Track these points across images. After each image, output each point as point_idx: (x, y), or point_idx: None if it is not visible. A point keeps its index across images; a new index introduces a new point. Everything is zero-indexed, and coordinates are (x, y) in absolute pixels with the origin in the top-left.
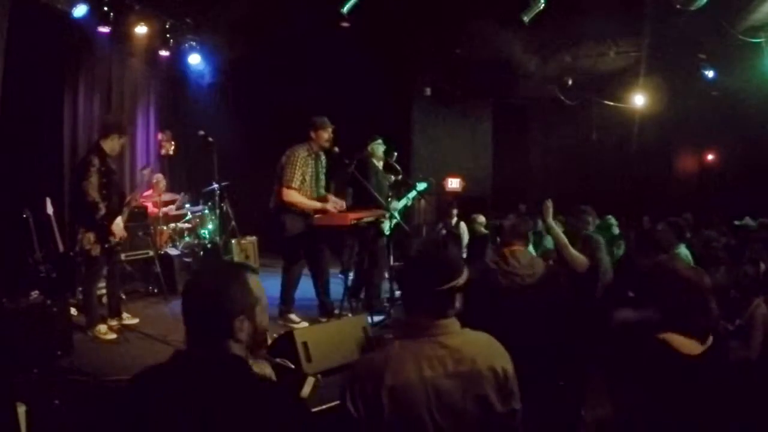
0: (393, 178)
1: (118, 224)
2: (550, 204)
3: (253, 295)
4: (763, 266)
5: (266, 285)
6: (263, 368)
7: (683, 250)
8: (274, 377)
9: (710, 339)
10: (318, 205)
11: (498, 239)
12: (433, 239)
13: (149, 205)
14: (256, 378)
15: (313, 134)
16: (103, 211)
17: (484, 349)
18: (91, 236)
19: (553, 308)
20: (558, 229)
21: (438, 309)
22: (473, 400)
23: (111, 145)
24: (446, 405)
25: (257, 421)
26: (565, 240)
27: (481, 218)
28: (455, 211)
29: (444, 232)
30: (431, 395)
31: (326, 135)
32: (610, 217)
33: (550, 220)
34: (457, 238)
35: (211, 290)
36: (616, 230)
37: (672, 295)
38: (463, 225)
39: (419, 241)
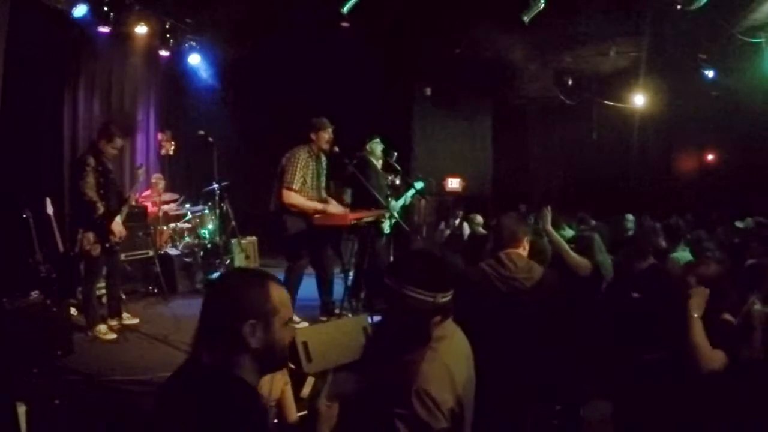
0: (391, 178)
1: (118, 223)
2: (548, 211)
3: (271, 303)
4: (747, 263)
5: None
6: (279, 381)
7: (683, 253)
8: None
9: None
10: (318, 206)
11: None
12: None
13: (149, 205)
14: (230, 405)
15: (313, 136)
16: (101, 211)
17: (465, 338)
18: (90, 236)
19: (554, 312)
20: (557, 235)
21: (450, 311)
22: (473, 382)
23: (108, 147)
24: (472, 388)
25: None
26: (566, 245)
27: (479, 218)
28: (460, 212)
29: (447, 232)
30: (470, 383)
31: (326, 136)
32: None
33: (549, 227)
34: (460, 237)
35: (226, 288)
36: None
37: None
38: (465, 225)
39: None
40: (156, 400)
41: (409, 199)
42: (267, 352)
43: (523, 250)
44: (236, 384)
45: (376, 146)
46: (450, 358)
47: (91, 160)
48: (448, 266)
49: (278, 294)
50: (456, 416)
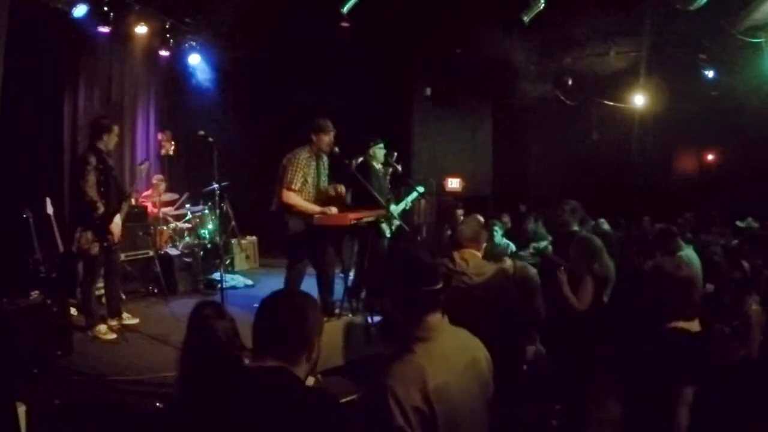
0: (393, 169)
1: (117, 224)
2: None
3: (323, 323)
4: (747, 265)
5: (268, 285)
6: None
7: (689, 252)
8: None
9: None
10: (317, 209)
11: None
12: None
13: (149, 205)
14: (313, 395)
15: (314, 137)
16: (101, 210)
17: (473, 341)
18: (89, 235)
19: (497, 308)
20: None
21: (437, 304)
22: (481, 387)
23: (105, 142)
24: (470, 395)
25: None
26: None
27: (479, 218)
28: (460, 212)
29: (449, 232)
30: (461, 389)
31: (327, 139)
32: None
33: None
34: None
35: (301, 308)
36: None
37: (664, 290)
38: None
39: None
40: (217, 399)
41: (410, 204)
42: (316, 361)
43: (478, 251)
44: (302, 383)
45: (380, 151)
46: (427, 359)
47: (93, 159)
48: (417, 262)
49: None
50: (425, 417)
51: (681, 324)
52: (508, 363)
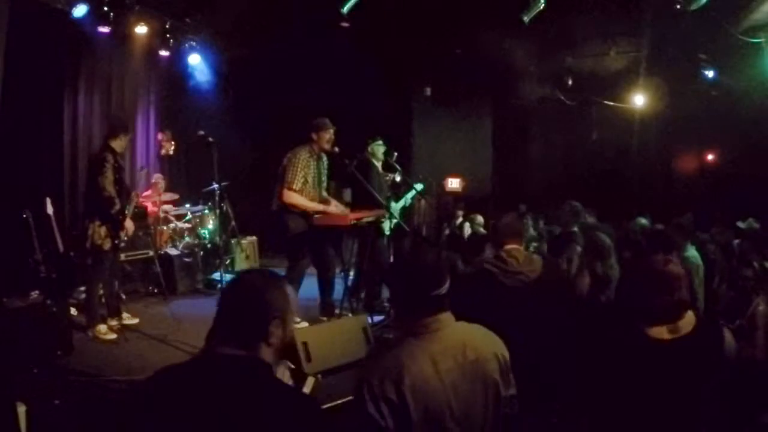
0: (392, 176)
1: (129, 220)
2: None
3: (288, 302)
4: (757, 265)
5: None
6: (284, 372)
7: (692, 252)
8: (291, 381)
9: (684, 327)
10: (319, 206)
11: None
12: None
13: (149, 205)
14: (280, 386)
15: (314, 136)
16: (118, 206)
17: (484, 338)
18: (103, 230)
19: (560, 302)
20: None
21: (436, 308)
22: (484, 386)
23: (119, 143)
24: (461, 395)
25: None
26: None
27: (480, 218)
28: (460, 212)
29: (447, 232)
30: (448, 388)
31: (327, 136)
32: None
33: None
34: (461, 238)
35: (254, 289)
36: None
37: (638, 283)
38: (467, 225)
39: (408, 243)
40: (162, 389)
41: (409, 201)
42: (281, 346)
43: (521, 245)
44: (268, 367)
45: (378, 148)
46: (410, 355)
47: (110, 157)
48: (420, 266)
49: (292, 295)
50: (398, 410)
51: (653, 331)
52: (570, 357)
